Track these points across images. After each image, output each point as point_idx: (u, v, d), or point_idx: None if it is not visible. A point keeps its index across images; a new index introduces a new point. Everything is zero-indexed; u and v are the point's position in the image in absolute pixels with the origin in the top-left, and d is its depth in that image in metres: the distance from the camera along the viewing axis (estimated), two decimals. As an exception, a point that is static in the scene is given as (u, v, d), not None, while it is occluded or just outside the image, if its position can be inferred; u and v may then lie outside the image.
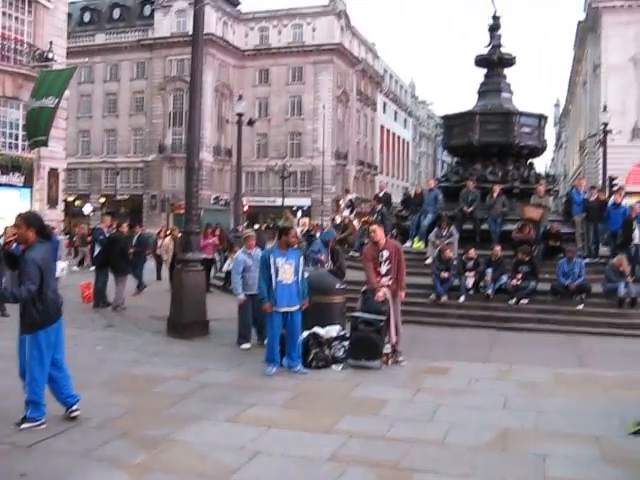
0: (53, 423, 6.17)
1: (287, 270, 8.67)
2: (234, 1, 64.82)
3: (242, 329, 10.51)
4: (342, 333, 9.31)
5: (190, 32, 13.49)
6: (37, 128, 23.63)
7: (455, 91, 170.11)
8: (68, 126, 35.46)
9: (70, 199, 47.44)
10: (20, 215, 6.27)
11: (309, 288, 8.98)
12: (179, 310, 11.50)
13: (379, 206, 17.07)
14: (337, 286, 10.05)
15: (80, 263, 27.47)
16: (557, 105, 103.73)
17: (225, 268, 19.03)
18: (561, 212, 18.59)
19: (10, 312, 11.49)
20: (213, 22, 56.67)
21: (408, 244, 16.93)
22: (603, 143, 31.61)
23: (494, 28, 20.34)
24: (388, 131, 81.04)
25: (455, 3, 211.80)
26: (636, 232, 14.74)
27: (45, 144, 24.55)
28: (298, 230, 25.94)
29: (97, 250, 15.60)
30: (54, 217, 27.06)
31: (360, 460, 5.47)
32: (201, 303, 11.74)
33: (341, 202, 21.62)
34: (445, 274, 13.81)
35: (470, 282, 14.00)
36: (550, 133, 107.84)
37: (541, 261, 14.85)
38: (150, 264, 21.50)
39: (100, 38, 62.10)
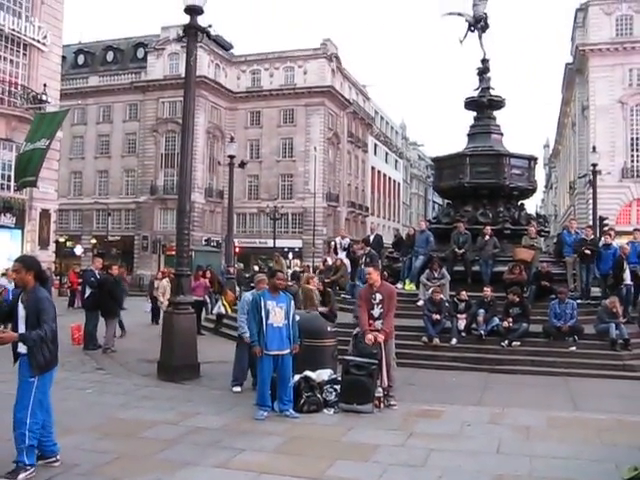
0: (40, 469, 6.04)
1: (278, 313, 8.63)
2: (226, 45, 65.62)
3: (236, 372, 10.43)
4: (334, 377, 9.25)
5: (182, 74, 13.63)
6: (27, 169, 23.83)
7: (445, 133, 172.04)
8: (60, 167, 35.53)
9: (61, 240, 47.28)
10: (19, 259, 6.26)
11: (300, 331, 8.93)
12: (170, 353, 11.41)
13: (367, 249, 17.08)
14: (328, 329, 10.02)
15: (70, 304, 27.32)
16: (547, 146, 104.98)
17: (215, 310, 18.95)
18: (552, 253, 18.65)
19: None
20: (205, 65, 57.30)
21: (400, 286, 16.91)
22: (593, 184, 31.93)
23: (483, 71, 20.64)
24: (379, 172, 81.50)
25: (444, 47, 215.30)
26: (627, 272, 14.79)
27: (34, 184, 24.66)
28: (290, 271, 25.94)
29: (87, 292, 15.52)
30: (45, 258, 26.99)
31: (352, 508, 5.39)
32: (192, 346, 11.67)
33: (333, 244, 21.58)
34: (437, 316, 13.78)
35: (462, 324, 13.99)
36: (540, 174, 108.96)
37: (533, 302, 14.87)
38: (139, 305, 21.35)
39: (94, 80, 62.54)
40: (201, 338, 13.74)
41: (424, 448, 7.15)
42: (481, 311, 13.86)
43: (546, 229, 20.74)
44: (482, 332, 13.59)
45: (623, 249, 15.13)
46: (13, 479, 5.73)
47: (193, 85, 12.36)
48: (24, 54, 27.83)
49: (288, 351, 8.65)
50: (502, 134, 20.74)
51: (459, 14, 20.92)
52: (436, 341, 13.60)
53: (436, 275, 15.59)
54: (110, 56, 64.87)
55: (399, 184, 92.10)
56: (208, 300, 20.52)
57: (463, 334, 13.89)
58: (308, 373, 9.10)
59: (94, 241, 56.83)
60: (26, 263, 6.15)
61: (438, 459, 6.78)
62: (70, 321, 16.75)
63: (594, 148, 35.23)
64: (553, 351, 13.06)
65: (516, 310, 13.72)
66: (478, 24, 20.54)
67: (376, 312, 9.27)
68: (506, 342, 13.33)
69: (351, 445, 7.33)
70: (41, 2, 28.31)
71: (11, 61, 27.35)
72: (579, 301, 14.85)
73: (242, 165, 32.73)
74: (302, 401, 8.79)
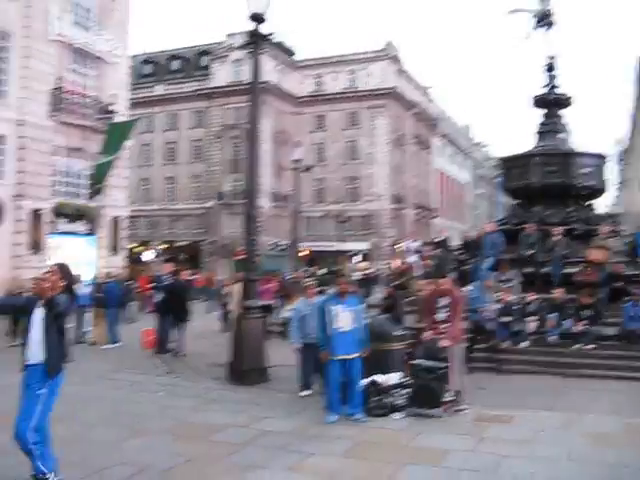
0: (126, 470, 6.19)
1: (345, 317, 8.62)
2: (289, 50, 66.11)
3: (302, 376, 10.49)
4: (402, 380, 9.19)
5: (246, 80, 13.79)
6: (98, 178, 24.77)
7: (512, 133, 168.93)
8: (129, 175, 36.35)
9: (132, 245, 48.34)
10: (58, 264, 6.23)
11: (368, 335, 8.90)
12: (239, 357, 11.54)
13: (437, 250, 16.91)
14: (396, 333, 9.97)
15: (141, 309, 27.88)
16: (620, 142, 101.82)
17: (282, 315, 19.02)
18: (626, 253, 18.09)
19: None
20: (269, 71, 57.82)
21: (469, 288, 16.67)
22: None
23: (550, 68, 20.26)
24: (445, 174, 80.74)
25: (508, 45, 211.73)
26: None
27: (100, 192, 25.50)
28: (355, 275, 25.89)
29: (158, 296, 15.81)
30: (117, 264, 27.68)
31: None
32: (260, 350, 11.76)
33: (397, 247, 21.50)
34: (506, 319, 13.55)
35: (532, 327, 13.70)
36: (613, 171, 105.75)
37: (606, 304, 14.45)
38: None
39: (159, 89, 63.83)
40: (269, 342, 13.83)
41: (495, 454, 7.04)
42: (551, 314, 13.56)
43: (619, 229, 20.15)
44: (553, 336, 13.29)
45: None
46: None
47: (258, 91, 12.51)
48: (95, 67, 28.69)
49: (356, 355, 8.63)
50: (570, 132, 20.32)
51: (524, 11, 20.59)
52: (506, 344, 13.37)
53: (505, 277, 15.33)
54: (175, 65, 66.15)
55: (465, 185, 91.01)
56: (275, 304, 20.63)
57: (533, 337, 13.61)
58: (377, 377, 9.07)
59: (164, 246, 57.91)
60: (63, 270, 6.12)
61: (510, 465, 6.67)
62: (141, 326, 17.14)
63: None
64: (629, 355, 12.65)
65: (588, 312, 13.38)
66: (544, 20, 20.19)
67: (440, 316, 9.19)
68: (579, 345, 13.00)
69: (420, 450, 7.28)
70: (110, 16, 29.12)
71: (83, 74, 28.22)
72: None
73: (308, 169, 32.88)
74: (371, 405, 8.77)
